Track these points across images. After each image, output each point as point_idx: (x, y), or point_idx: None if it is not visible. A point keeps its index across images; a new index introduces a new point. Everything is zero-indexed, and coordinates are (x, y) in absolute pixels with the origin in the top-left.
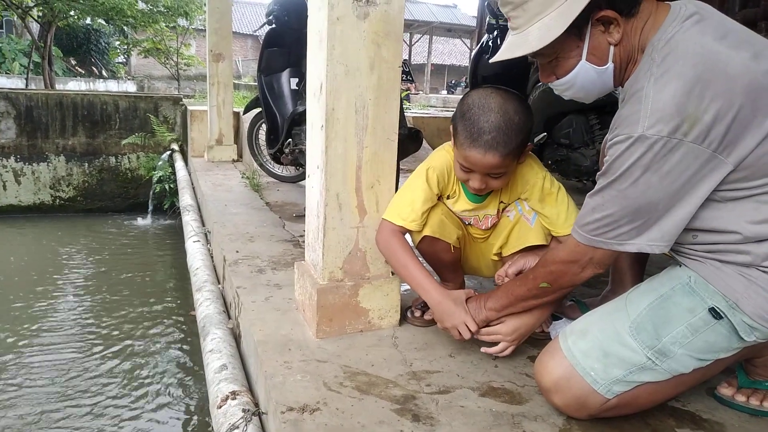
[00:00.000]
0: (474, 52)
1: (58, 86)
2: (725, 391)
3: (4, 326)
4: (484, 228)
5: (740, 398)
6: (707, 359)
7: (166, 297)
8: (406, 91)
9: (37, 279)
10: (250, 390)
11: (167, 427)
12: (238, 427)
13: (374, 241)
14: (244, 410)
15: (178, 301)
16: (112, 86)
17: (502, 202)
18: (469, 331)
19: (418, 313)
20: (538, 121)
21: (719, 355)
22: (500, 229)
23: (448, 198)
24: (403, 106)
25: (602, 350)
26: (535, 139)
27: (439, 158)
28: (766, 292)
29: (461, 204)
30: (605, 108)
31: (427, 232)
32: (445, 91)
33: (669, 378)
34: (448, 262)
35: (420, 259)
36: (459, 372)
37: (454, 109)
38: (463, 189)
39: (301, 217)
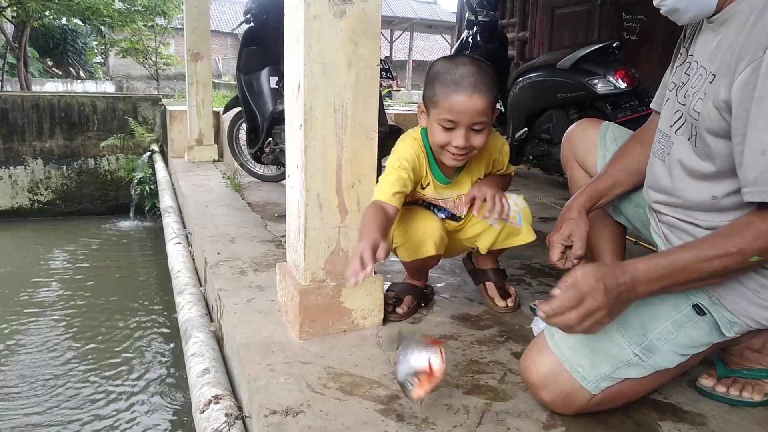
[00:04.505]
0: (454, 48)
1: (35, 87)
2: (706, 382)
3: None
4: (459, 213)
5: (720, 389)
6: (688, 354)
7: (149, 300)
8: (388, 88)
9: (17, 284)
10: (234, 393)
11: None
12: None
13: (357, 241)
14: (227, 414)
15: (161, 304)
16: (90, 87)
17: (479, 179)
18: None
19: (390, 308)
20: (519, 117)
21: (699, 349)
22: (487, 233)
23: (422, 188)
24: (384, 103)
25: (590, 347)
26: (516, 135)
27: (405, 150)
28: (747, 288)
29: (433, 188)
30: (584, 103)
31: (432, 251)
32: None
33: (652, 372)
34: (426, 269)
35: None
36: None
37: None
38: (433, 173)
39: (283, 217)
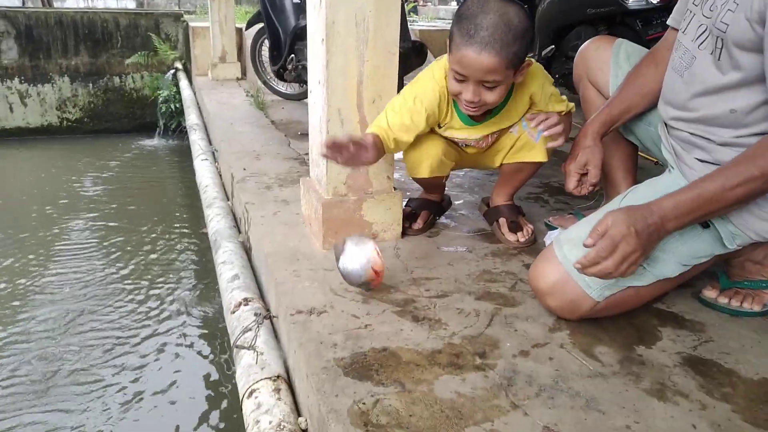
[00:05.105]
0: None
1: (56, 4)
2: (709, 293)
3: (18, 247)
4: (483, 145)
5: (722, 300)
6: (690, 264)
7: (177, 215)
8: (414, 3)
9: (49, 200)
10: (262, 297)
11: (183, 337)
12: (251, 329)
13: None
14: (256, 314)
15: (189, 219)
16: (111, 3)
17: (502, 129)
18: None
19: (407, 224)
20: (546, 33)
21: (701, 260)
22: (501, 144)
23: (439, 128)
24: (409, 18)
25: None
26: (543, 52)
27: (428, 91)
28: (752, 203)
29: (455, 129)
30: (615, 19)
31: (425, 174)
32: (455, 2)
33: (654, 281)
34: (439, 185)
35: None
36: (457, 278)
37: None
38: (458, 114)
39: (306, 135)
